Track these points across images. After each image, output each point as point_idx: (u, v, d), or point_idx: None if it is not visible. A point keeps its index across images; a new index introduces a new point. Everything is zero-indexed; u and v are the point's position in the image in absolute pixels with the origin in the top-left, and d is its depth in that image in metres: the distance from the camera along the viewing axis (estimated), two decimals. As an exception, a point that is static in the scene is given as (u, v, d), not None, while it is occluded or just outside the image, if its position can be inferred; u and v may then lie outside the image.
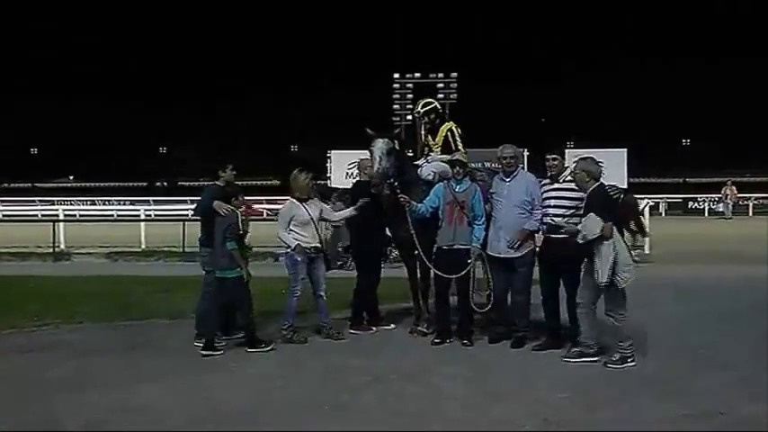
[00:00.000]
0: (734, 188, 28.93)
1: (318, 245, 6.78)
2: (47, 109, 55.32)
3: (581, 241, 5.51)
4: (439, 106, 7.42)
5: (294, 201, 6.76)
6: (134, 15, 60.33)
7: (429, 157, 7.08)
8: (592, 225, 5.46)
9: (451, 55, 52.61)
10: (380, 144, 6.57)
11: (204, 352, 6.21)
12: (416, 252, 6.69)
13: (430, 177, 6.78)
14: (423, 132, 7.26)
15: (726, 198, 28.57)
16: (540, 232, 6.35)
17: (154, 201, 33.11)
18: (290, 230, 6.67)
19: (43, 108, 55.13)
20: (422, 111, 7.23)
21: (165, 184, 60.31)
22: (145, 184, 59.94)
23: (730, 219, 27.19)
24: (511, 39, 60.62)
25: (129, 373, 5.68)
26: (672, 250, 13.92)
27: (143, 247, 15.46)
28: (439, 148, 7.14)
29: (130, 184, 56.00)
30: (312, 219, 6.72)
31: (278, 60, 60.40)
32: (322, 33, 60.34)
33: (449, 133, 7.16)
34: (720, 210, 29.38)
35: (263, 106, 58.39)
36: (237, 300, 6.37)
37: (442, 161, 6.85)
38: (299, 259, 6.63)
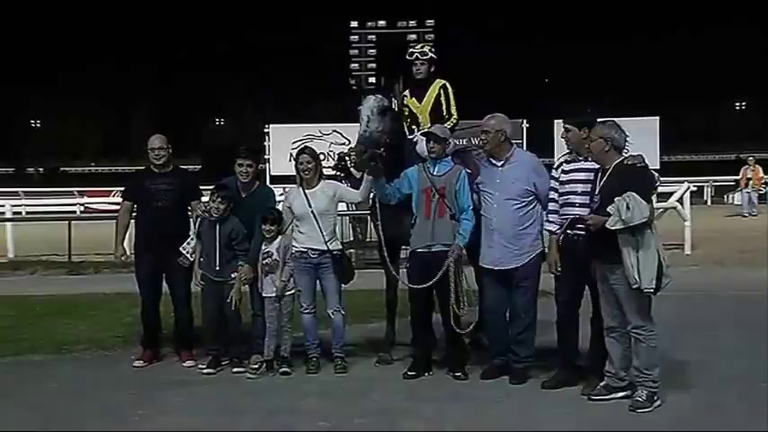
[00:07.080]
0: (758, 169, 25.27)
1: None
2: None
3: (613, 227, 5.43)
4: None
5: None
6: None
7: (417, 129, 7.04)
8: (639, 207, 5.39)
9: (426, -1, 52.84)
10: (371, 101, 6.58)
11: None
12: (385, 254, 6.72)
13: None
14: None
15: (746, 185, 24.80)
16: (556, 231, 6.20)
17: (25, 193, 32.48)
18: None
19: None
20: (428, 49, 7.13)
21: (41, 170, 59.30)
22: (12, 170, 58.70)
23: (753, 215, 23.55)
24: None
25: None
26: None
27: (11, 255, 15.25)
28: (426, 112, 7.08)
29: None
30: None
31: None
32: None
33: (441, 91, 7.12)
34: (737, 202, 25.47)
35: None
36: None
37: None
38: None
